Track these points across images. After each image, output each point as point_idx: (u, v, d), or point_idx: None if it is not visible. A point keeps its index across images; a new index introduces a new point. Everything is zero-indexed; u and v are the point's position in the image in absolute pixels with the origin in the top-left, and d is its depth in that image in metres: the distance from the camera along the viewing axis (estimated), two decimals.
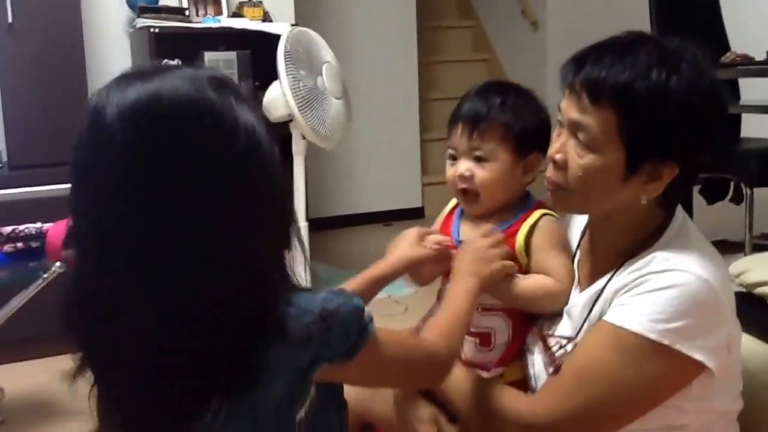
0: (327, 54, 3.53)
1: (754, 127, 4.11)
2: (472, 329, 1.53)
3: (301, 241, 1.16)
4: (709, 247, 1.40)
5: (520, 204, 1.57)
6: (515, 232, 1.52)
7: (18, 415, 2.95)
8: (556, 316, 1.50)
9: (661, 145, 1.32)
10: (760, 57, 3.78)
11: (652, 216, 1.39)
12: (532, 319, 1.53)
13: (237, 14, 3.91)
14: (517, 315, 1.52)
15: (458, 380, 1.49)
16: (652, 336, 1.27)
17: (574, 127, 1.36)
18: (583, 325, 1.41)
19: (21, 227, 2.54)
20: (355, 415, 1.66)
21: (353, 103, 3.76)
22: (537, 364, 1.53)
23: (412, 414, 1.56)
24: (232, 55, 3.78)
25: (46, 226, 2.55)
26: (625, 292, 1.33)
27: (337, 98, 3.47)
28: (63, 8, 3.48)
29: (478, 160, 1.53)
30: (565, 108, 1.37)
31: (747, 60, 3.77)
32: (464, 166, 1.54)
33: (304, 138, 3.44)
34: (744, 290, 1.86)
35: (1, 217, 2.74)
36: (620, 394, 1.32)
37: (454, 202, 1.65)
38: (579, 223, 1.57)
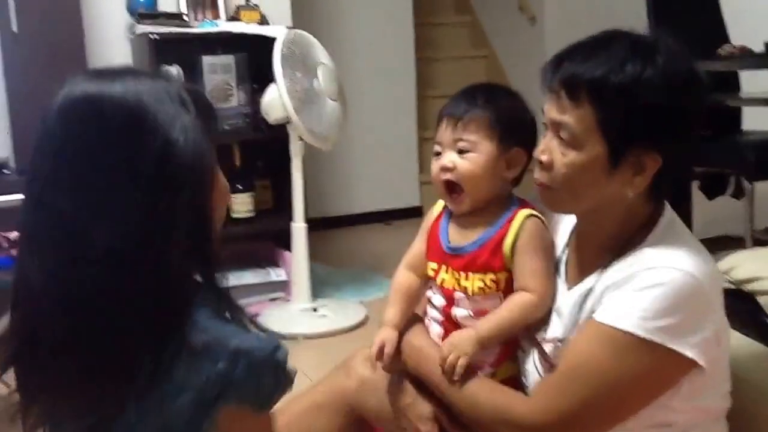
0: (322, 56, 3.55)
1: (754, 120, 4.10)
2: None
3: (214, 263, 1.17)
4: (696, 242, 1.41)
5: (504, 204, 1.58)
6: (503, 237, 1.53)
7: None
8: (546, 316, 1.51)
9: (641, 136, 1.34)
10: (758, 49, 3.77)
11: (639, 212, 1.41)
12: None
13: (234, 18, 3.92)
14: None
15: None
16: (642, 334, 1.28)
17: (556, 127, 1.38)
18: (574, 322, 1.43)
19: None
20: (351, 409, 1.68)
21: (350, 102, 3.78)
22: (530, 364, 1.54)
23: (411, 411, 1.58)
24: (230, 58, 3.79)
25: None
26: (615, 290, 1.34)
27: (332, 99, 3.49)
28: (66, 16, 3.58)
29: (461, 152, 1.55)
30: (547, 109, 1.40)
31: (745, 52, 3.76)
32: (447, 158, 1.56)
33: (301, 139, 3.46)
34: (733, 287, 1.86)
35: (11, 222, 2.76)
36: (613, 392, 1.33)
37: (440, 205, 1.66)
38: (567, 222, 1.58)
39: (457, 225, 1.60)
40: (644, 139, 1.34)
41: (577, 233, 1.54)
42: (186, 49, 3.75)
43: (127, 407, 1.08)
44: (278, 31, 3.57)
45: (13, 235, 2.57)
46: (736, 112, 4.17)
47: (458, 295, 1.55)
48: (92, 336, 1.08)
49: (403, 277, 1.67)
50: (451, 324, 1.58)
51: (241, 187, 3.83)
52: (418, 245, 1.67)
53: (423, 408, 1.57)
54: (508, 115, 1.56)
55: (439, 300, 1.60)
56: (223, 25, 3.86)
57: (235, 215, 3.83)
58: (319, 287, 3.83)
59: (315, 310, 3.60)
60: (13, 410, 1.16)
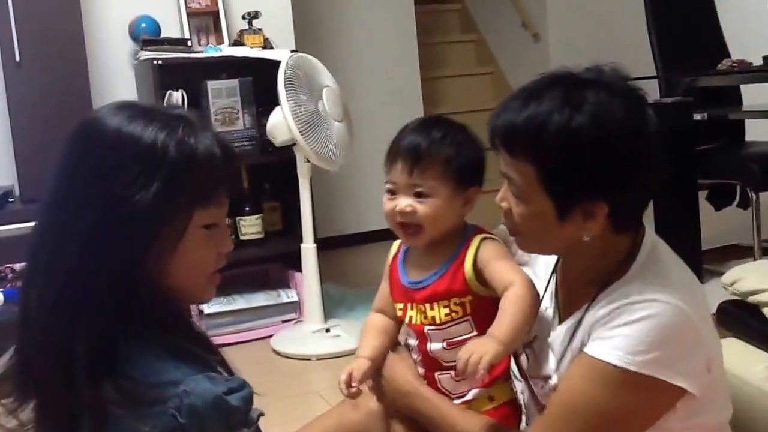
0: (327, 78, 3.57)
1: (757, 132, 4.12)
2: (444, 363, 1.55)
3: (153, 307, 1.16)
4: (680, 268, 1.40)
5: (459, 234, 1.58)
6: (462, 262, 1.53)
7: None
8: (540, 353, 1.50)
9: (582, 189, 1.31)
10: (758, 63, 3.80)
11: (614, 245, 1.39)
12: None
13: (238, 42, 3.94)
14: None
15: (451, 415, 1.52)
16: (632, 368, 1.28)
17: (506, 178, 1.38)
18: (563, 357, 1.42)
19: None
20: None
21: (357, 122, 3.79)
22: (526, 395, 1.56)
23: None
24: (235, 82, 3.80)
25: None
26: (603, 325, 1.33)
27: (338, 121, 3.51)
28: (69, 44, 3.57)
29: (419, 195, 1.54)
30: (500, 161, 1.39)
31: (745, 66, 3.78)
32: (405, 202, 1.54)
33: (308, 161, 3.48)
34: (738, 298, 1.88)
35: (16, 250, 2.77)
36: (606, 426, 1.33)
37: (396, 245, 1.67)
38: (548, 257, 1.57)
39: (415, 260, 1.61)
40: (585, 190, 1.31)
41: (560, 269, 1.53)
42: (190, 74, 3.77)
43: None
44: (282, 54, 3.60)
45: (18, 266, 2.57)
46: (740, 124, 4.19)
47: (428, 329, 1.55)
48: (39, 359, 1.14)
49: (373, 317, 1.68)
50: (429, 360, 1.58)
51: (249, 210, 3.85)
52: (383, 287, 1.68)
53: None
54: (463, 157, 1.55)
55: (412, 340, 1.61)
56: (227, 50, 3.88)
57: (244, 238, 3.84)
58: (331, 307, 3.82)
59: (328, 330, 3.59)
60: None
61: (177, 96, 3.64)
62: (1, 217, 3.29)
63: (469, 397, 1.55)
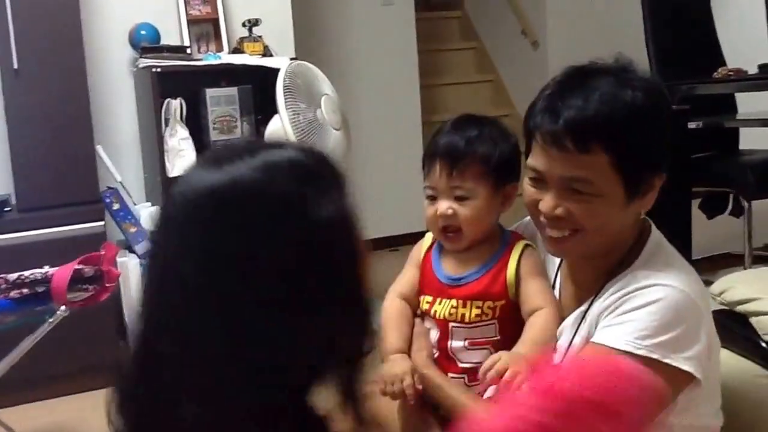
0: (325, 86, 3.58)
1: (751, 140, 4.14)
2: (459, 365, 1.55)
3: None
4: (682, 261, 1.44)
5: (497, 237, 1.60)
6: (505, 266, 1.55)
7: None
8: None
9: (651, 161, 1.38)
10: (753, 71, 3.83)
11: (628, 235, 1.43)
12: None
13: (238, 49, 3.95)
14: (504, 348, 1.51)
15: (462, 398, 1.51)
16: (641, 353, 1.29)
17: (566, 183, 1.37)
18: (568, 348, 1.44)
19: (27, 273, 2.55)
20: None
21: (356, 130, 3.80)
22: None
23: None
24: (234, 90, 3.81)
25: (51, 270, 2.56)
26: (609, 314, 1.36)
27: (336, 129, 3.52)
28: (67, 52, 3.53)
29: (459, 198, 1.55)
30: (547, 167, 1.38)
31: (741, 74, 3.81)
32: (445, 205, 1.55)
33: None
34: (726, 308, 1.89)
35: (13, 260, 2.78)
36: None
37: (429, 238, 1.67)
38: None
39: (453, 257, 1.61)
40: (652, 164, 1.38)
41: (568, 263, 1.56)
42: (189, 82, 3.77)
43: None
44: (281, 62, 3.60)
45: (12, 276, 2.54)
46: (734, 132, 4.22)
47: (453, 325, 1.55)
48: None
49: (397, 304, 1.64)
50: (445, 360, 1.57)
51: None
52: (410, 275, 1.65)
53: None
54: (500, 155, 1.55)
55: (434, 334, 1.59)
56: (226, 58, 3.88)
57: None
58: None
59: None
60: None
61: (175, 104, 3.65)
62: None
63: None
